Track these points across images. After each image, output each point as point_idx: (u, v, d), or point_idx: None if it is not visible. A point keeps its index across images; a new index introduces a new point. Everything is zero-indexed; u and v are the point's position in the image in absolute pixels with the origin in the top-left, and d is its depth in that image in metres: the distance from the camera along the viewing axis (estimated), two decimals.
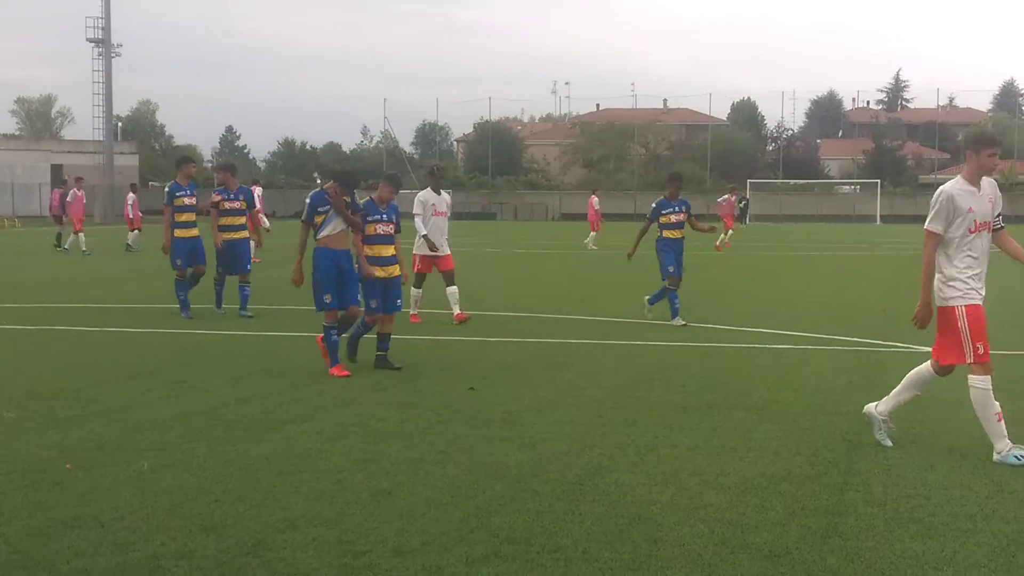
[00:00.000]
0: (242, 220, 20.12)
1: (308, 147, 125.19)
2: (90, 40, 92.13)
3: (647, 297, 19.63)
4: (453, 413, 11.07)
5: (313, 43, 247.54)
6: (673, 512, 7.69)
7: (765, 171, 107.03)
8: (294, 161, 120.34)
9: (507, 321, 19.44)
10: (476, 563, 6.66)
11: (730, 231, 46.91)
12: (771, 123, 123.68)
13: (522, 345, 16.14)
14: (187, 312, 19.34)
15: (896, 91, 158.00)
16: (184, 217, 19.75)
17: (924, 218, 9.63)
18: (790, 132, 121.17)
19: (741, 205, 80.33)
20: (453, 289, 18.91)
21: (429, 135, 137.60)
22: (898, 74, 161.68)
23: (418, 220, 19.05)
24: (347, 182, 13.91)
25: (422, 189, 19.38)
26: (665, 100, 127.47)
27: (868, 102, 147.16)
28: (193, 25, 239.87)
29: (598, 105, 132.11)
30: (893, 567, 6.67)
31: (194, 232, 19.89)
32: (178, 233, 19.66)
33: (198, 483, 8.42)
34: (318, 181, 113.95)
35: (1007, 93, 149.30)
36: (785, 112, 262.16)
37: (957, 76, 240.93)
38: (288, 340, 16.77)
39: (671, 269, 18.99)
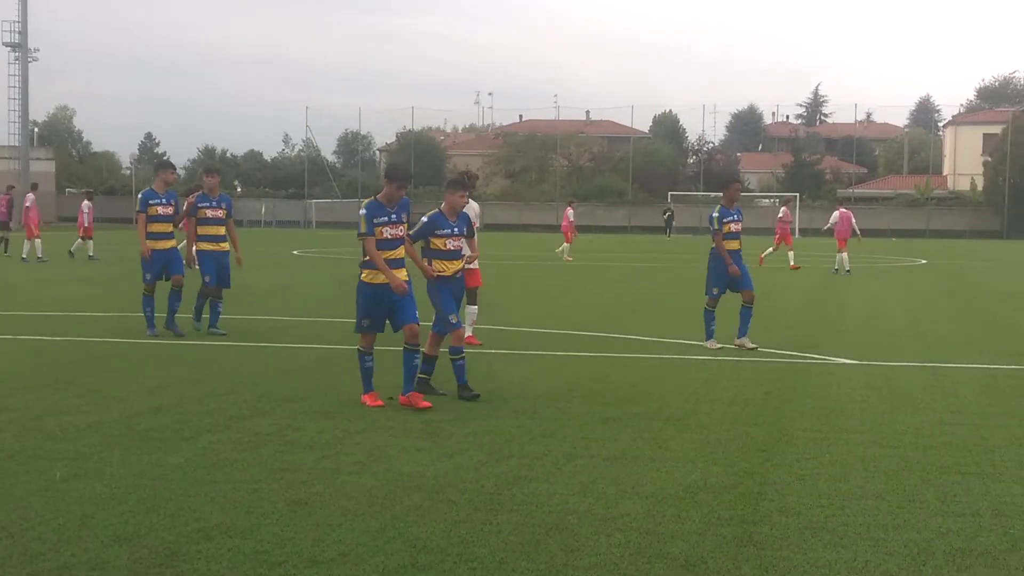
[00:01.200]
0: (224, 231, 18.42)
1: (229, 155, 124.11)
2: (6, 44, 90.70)
3: (735, 338, 17.34)
4: (371, 423, 11.03)
5: (234, 49, 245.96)
6: (590, 522, 7.72)
7: (686, 183, 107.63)
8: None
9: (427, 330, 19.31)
10: (392, 573, 6.65)
11: (791, 249, 41.95)
12: (692, 136, 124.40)
13: (443, 355, 16.01)
14: (152, 328, 17.86)
15: (815, 106, 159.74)
16: (158, 227, 18.07)
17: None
18: (711, 145, 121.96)
19: (665, 217, 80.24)
20: (473, 309, 17.28)
21: (351, 144, 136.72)
22: (817, 89, 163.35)
23: None
24: (398, 175, 12.58)
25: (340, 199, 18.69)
26: (588, 112, 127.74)
27: (788, 116, 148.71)
28: (112, 30, 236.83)
29: (521, 116, 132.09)
30: None
31: (169, 243, 18.30)
32: (150, 244, 18.01)
33: (111, 493, 8.31)
34: (239, 190, 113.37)
35: (923, 109, 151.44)
36: (706, 125, 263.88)
37: (875, 92, 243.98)
38: (209, 349, 16.60)
39: (715, 291, 17.34)
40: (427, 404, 11.79)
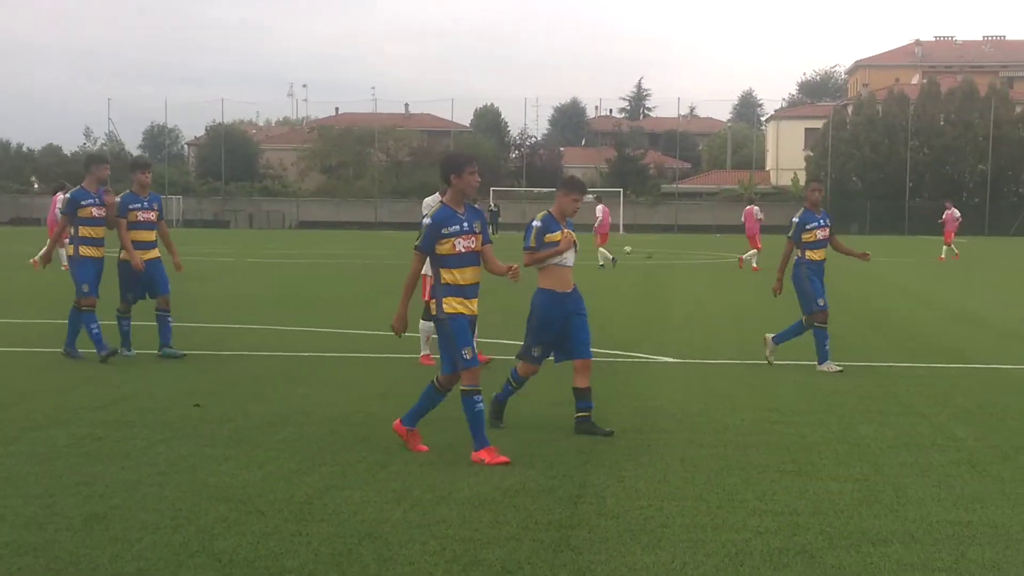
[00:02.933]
0: (154, 235, 15.79)
1: (25, 149, 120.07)
2: None
3: (770, 335, 15.52)
4: (176, 432, 10.60)
5: (31, 37, 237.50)
6: (404, 529, 7.54)
7: (509, 179, 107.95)
8: (9, 164, 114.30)
9: (240, 333, 18.89)
10: None
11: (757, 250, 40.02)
12: (514, 130, 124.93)
13: (255, 359, 15.67)
14: (104, 347, 15.00)
15: (638, 100, 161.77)
16: (92, 232, 15.44)
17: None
18: (534, 139, 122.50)
19: (489, 213, 79.93)
20: None
21: (158, 138, 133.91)
22: (640, 83, 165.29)
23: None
24: (454, 165, 9.93)
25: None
26: (407, 105, 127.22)
27: (611, 110, 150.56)
28: None
29: (337, 109, 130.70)
30: None
31: (103, 251, 15.63)
32: (85, 252, 15.35)
33: None
34: (36, 186, 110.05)
35: (745, 104, 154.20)
36: (528, 119, 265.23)
37: (698, 86, 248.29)
38: (4, 356, 15.93)
39: (820, 302, 15.14)
40: (503, 460, 9.50)
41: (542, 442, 10.30)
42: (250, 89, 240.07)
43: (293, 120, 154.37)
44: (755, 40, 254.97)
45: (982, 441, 10.53)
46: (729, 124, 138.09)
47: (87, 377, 13.78)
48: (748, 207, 41.74)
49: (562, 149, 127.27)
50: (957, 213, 51.47)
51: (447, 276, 9.73)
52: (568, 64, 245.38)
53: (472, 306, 9.86)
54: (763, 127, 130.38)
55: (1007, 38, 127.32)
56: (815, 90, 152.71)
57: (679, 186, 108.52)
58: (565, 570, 6.78)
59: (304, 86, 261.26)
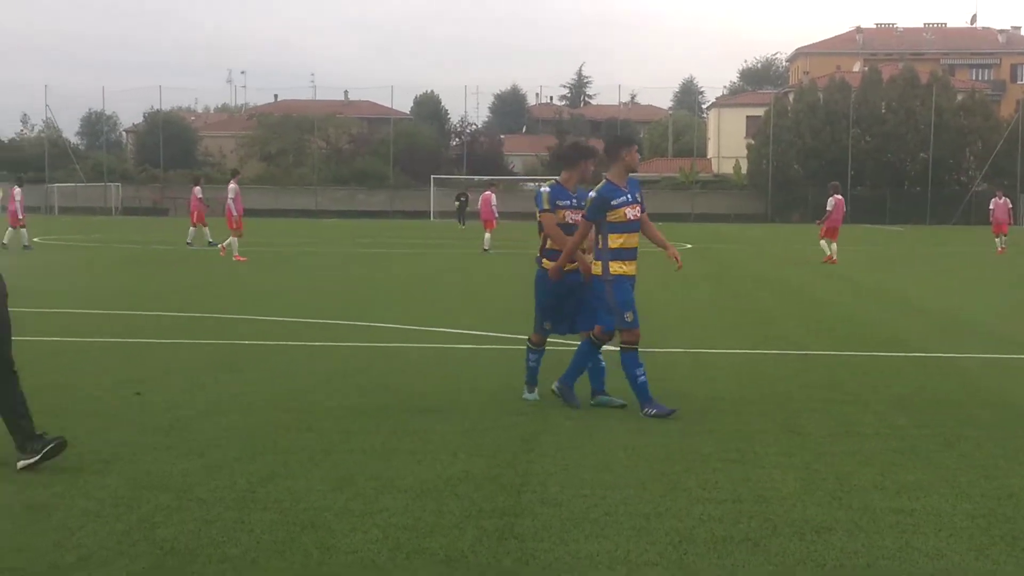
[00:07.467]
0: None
1: None
2: None
3: None
4: (116, 420, 10.49)
5: None
6: (347, 518, 7.48)
7: (449, 166, 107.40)
8: None
9: (181, 322, 18.73)
10: None
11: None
12: (455, 118, 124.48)
13: (195, 347, 15.52)
14: (574, 398, 11.75)
15: (579, 87, 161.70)
16: (624, 240, 11.87)
17: None
18: (474, 127, 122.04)
19: (457, 204, 77.60)
20: None
21: (96, 125, 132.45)
22: (580, 70, 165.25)
23: None
24: None
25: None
26: (346, 92, 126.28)
27: (551, 98, 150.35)
28: None
29: (276, 96, 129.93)
30: (568, 567, 6.63)
31: (571, 265, 12.06)
32: (617, 268, 11.88)
33: None
34: None
35: (687, 91, 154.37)
36: (469, 107, 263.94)
37: (639, 73, 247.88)
38: None
39: None
40: None
41: (486, 430, 10.27)
42: (188, 76, 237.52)
43: (232, 107, 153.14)
44: (696, 27, 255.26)
45: (922, 428, 10.55)
46: (670, 112, 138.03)
47: (24, 364, 13.59)
48: (840, 197, 38.42)
49: (503, 137, 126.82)
50: (1008, 202, 47.46)
51: None
52: (509, 51, 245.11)
53: None
54: (704, 115, 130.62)
55: (948, 25, 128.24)
56: (756, 78, 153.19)
57: None
58: (509, 558, 6.75)
59: (243, 73, 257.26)
